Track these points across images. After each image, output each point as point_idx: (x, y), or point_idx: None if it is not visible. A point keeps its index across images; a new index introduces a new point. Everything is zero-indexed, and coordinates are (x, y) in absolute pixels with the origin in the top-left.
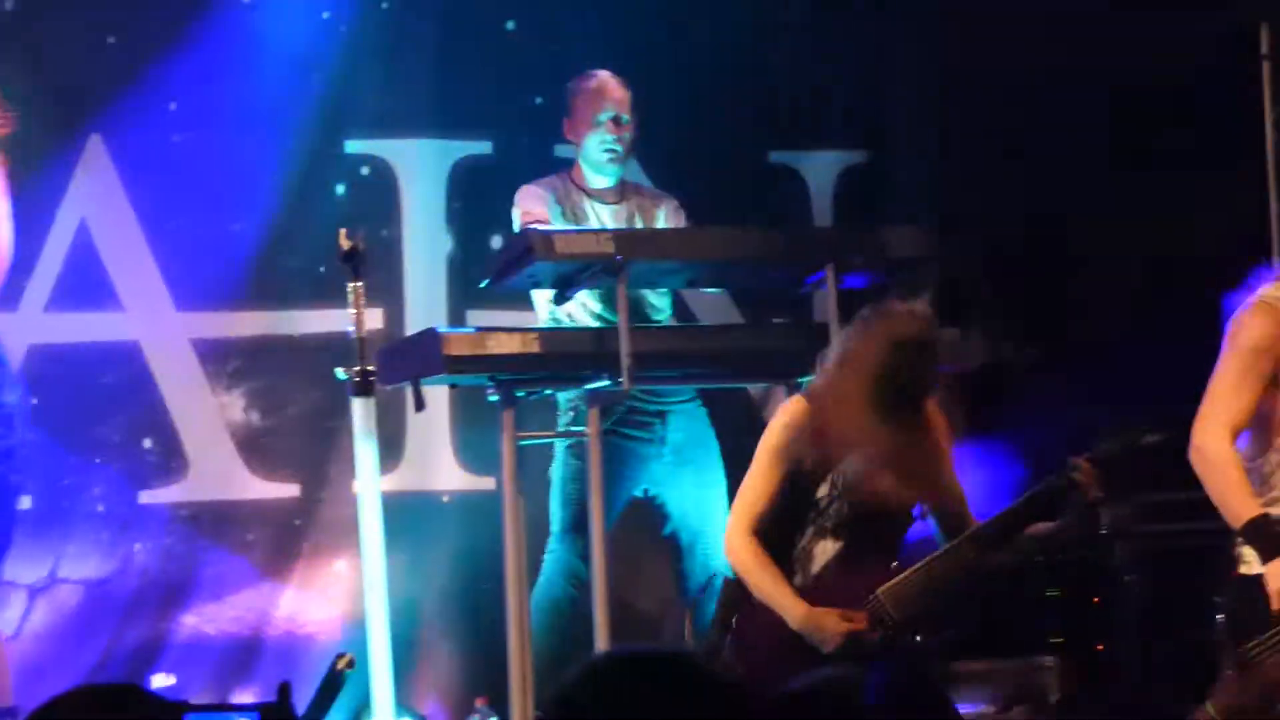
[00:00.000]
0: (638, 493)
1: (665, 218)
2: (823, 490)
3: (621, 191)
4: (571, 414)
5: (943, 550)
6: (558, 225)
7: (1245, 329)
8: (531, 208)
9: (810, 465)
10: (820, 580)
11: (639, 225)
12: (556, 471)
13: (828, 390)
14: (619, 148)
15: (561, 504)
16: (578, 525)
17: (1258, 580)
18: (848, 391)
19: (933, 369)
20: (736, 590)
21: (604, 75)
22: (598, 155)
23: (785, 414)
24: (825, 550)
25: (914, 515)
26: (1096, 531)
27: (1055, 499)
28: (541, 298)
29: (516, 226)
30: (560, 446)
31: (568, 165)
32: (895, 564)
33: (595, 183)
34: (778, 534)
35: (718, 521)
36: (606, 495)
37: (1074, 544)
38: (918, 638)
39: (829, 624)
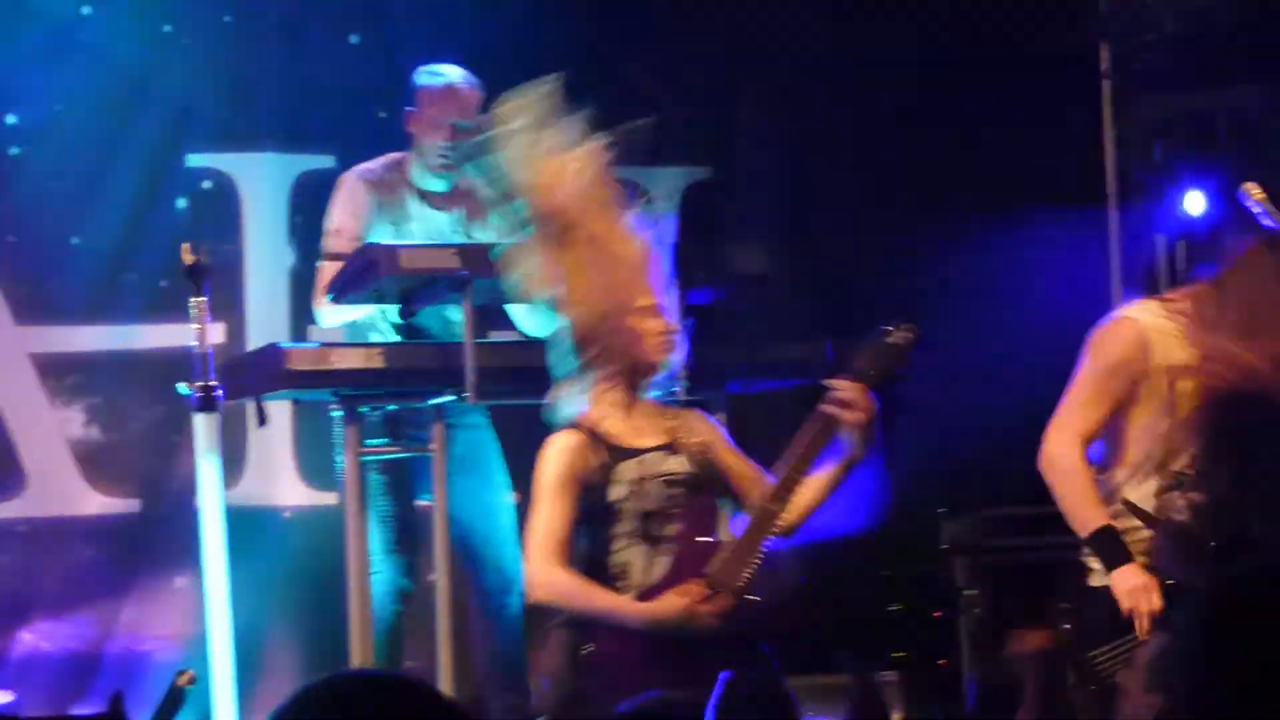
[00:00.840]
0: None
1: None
2: (616, 493)
3: (452, 196)
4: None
5: (753, 517)
6: (375, 234)
7: (1106, 343)
8: (344, 224)
9: (595, 479)
10: (659, 583)
11: (469, 230)
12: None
13: None
14: (455, 153)
15: (379, 522)
16: (399, 543)
17: (1105, 591)
18: None
19: None
20: (571, 629)
21: (455, 76)
22: (433, 159)
23: (556, 443)
24: (640, 553)
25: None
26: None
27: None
28: (328, 310)
29: (324, 224)
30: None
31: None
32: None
33: (426, 183)
34: (580, 559)
35: (506, 527)
36: (401, 508)
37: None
38: (755, 598)
39: (668, 608)
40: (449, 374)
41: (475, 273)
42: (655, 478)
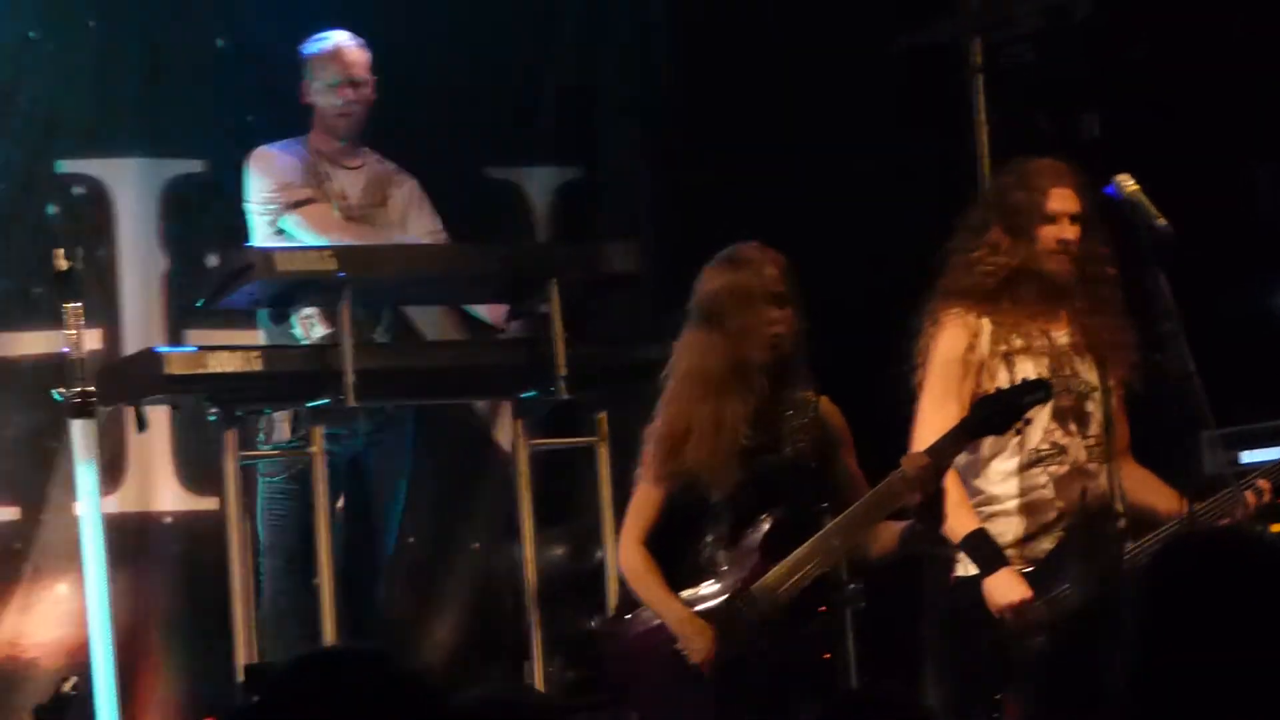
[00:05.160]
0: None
1: (405, 197)
2: (716, 495)
3: (360, 156)
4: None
5: (812, 539)
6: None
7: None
8: (282, 180)
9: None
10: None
11: (380, 195)
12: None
13: None
14: (354, 108)
15: (270, 528)
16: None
17: (975, 581)
18: None
19: None
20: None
21: (339, 37)
22: (332, 119)
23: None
24: (725, 557)
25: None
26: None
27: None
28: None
29: (261, 198)
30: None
31: (301, 130)
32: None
33: (331, 148)
34: (671, 544)
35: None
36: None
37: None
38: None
39: (690, 632)
40: (327, 377)
41: (352, 274)
42: (754, 483)
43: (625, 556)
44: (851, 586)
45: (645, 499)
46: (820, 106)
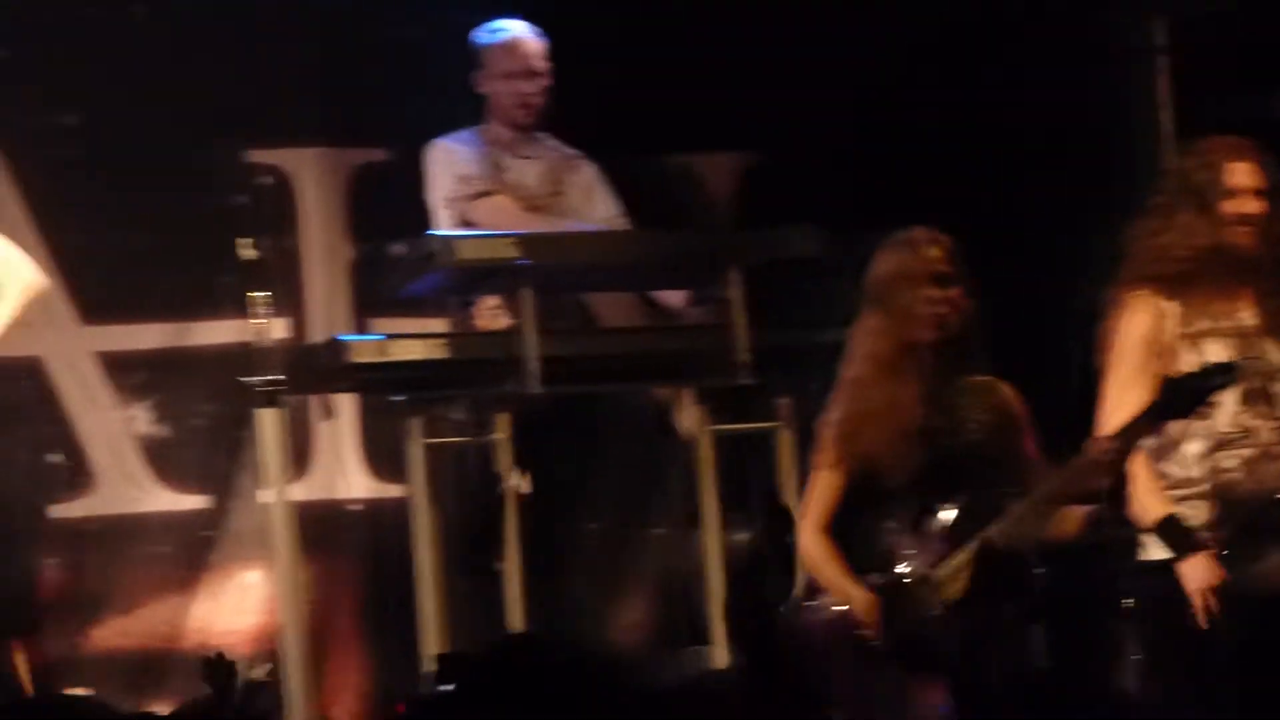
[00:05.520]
0: None
1: (584, 183)
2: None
3: (537, 146)
4: None
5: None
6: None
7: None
8: (468, 172)
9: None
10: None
11: (558, 182)
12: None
13: None
14: (532, 101)
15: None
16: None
17: (1165, 566)
18: None
19: None
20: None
21: (516, 27)
22: (510, 109)
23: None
24: (908, 542)
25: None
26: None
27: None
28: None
29: (441, 194)
30: None
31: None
32: None
33: (508, 138)
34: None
35: None
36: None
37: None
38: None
39: (859, 603)
40: (510, 363)
41: (535, 261)
42: (933, 467)
43: (805, 543)
44: (1037, 571)
45: (823, 485)
46: (1002, 91)
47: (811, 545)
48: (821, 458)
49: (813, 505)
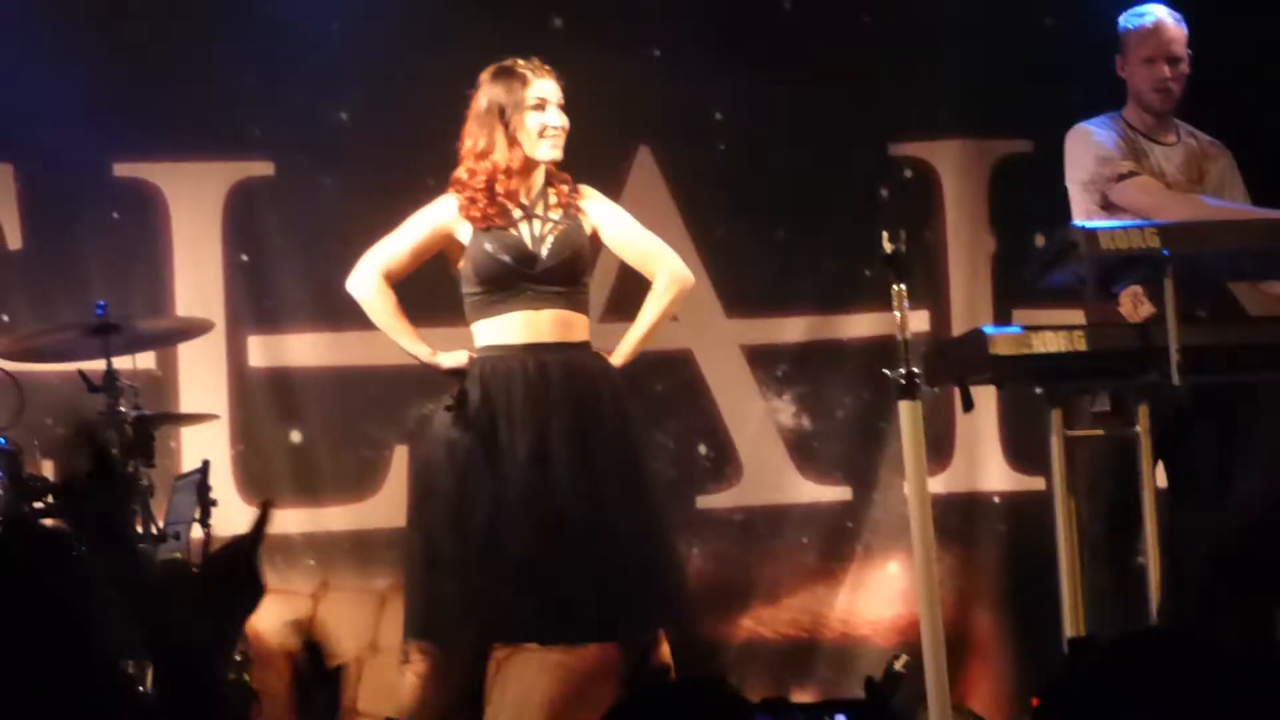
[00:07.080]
0: None
1: (1222, 171)
2: None
3: (1175, 132)
4: None
5: None
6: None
7: None
8: (1111, 153)
9: None
10: None
11: (1197, 170)
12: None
13: None
14: (1172, 87)
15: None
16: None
17: None
18: None
19: None
20: None
21: (1159, 12)
22: (1148, 94)
23: None
24: None
25: None
26: None
27: None
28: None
29: (1083, 175)
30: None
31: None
32: None
33: (1147, 123)
34: None
35: None
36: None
37: None
38: None
39: None
40: (1151, 354)
41: (1175, 251)
42: None
43: None
44: None
45: None
46: None
47: None
48: None
49: None
